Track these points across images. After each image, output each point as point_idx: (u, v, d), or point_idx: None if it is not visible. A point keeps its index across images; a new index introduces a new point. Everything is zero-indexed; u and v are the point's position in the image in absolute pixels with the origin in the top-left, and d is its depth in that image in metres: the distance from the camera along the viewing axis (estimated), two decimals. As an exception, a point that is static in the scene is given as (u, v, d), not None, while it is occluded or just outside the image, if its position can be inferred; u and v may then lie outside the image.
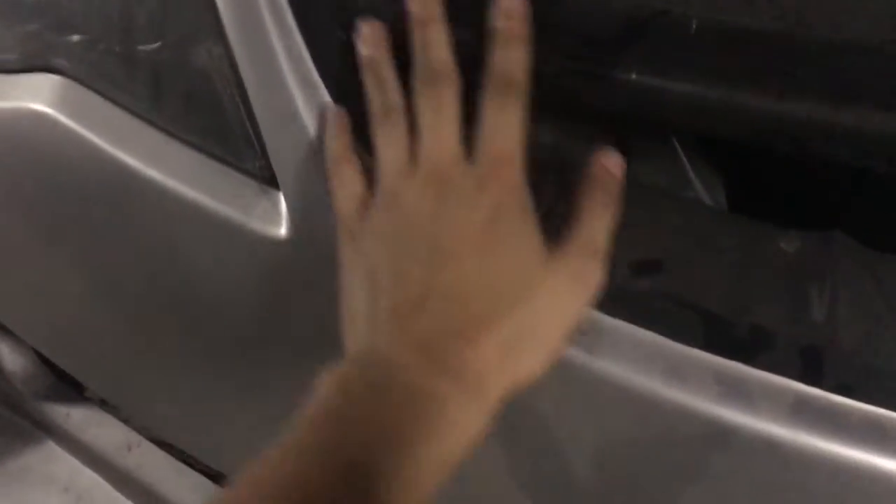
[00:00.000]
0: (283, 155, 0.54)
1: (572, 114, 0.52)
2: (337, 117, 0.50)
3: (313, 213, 0.54)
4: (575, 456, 0.51)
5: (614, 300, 0.47)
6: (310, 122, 0.52)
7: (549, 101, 0.50)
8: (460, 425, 0.42)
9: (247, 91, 0.53)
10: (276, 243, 0.55)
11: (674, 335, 0.46)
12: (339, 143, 0.49)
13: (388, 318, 0.43)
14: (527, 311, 0.43)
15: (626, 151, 0.52)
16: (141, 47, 0.58)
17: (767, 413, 0.45)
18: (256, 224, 0.55)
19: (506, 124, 0.44)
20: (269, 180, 0.55)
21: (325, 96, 0.52)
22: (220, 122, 0.55)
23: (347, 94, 0.50)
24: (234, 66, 0.53)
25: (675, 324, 0.47)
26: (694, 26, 0.42)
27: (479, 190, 0.44)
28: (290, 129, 0.52)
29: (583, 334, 0.47)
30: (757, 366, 0.45)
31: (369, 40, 0.47)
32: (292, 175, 0.54)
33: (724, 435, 0.45)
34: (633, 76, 0.44)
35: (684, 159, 0.53)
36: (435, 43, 0.46)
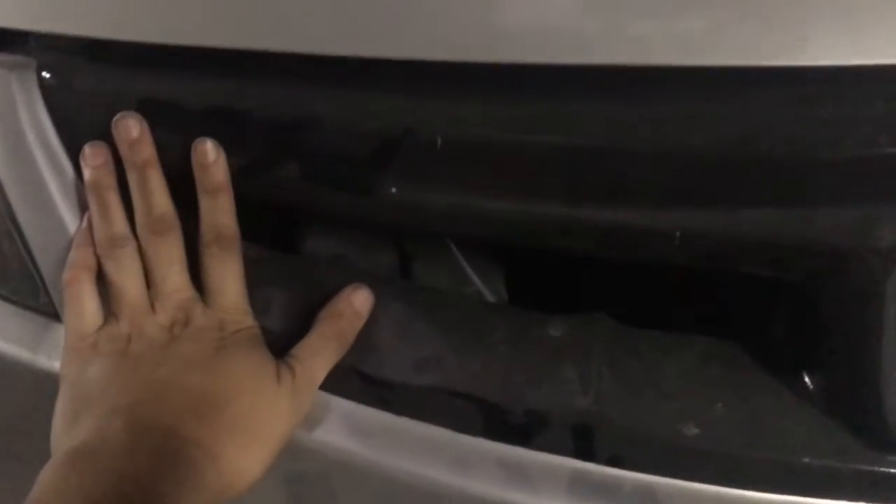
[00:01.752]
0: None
1: (354, 227, 0.55)
2: (81, 231, 0.52)
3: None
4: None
5: (399, 398, 0.50)
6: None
7: (328, 216, 0.53)
8: (203, 486, 0.45)
9: (22, 229, 0.53)
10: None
11: (456, 426, 0.49)
12: (80, 256, 0.51)
13: (129, 407, 0.47)
14: (252, 409, 0.48)
15: (405, 256, 0.55)
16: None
17: (548, 492, 0.47)
18: (43, 361, 0.55)
19: (226, 276, 0.51)
20: (54, 315, 0.55)
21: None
22: (3, 264, 0.55)
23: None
24: (8, 205, 0.53)
25: (457, 416, 0.49)
26: (439, 143, 0.45)
27: (214, 328, 0.50)
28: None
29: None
30: (534, 447, 0.48)
31: (92, 164, 0.50)
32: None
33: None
34: (393, 190, 0.47)
35: (461, 260, 0.57)
36: (151, 190, 0.50)
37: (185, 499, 0.44)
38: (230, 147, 0.49)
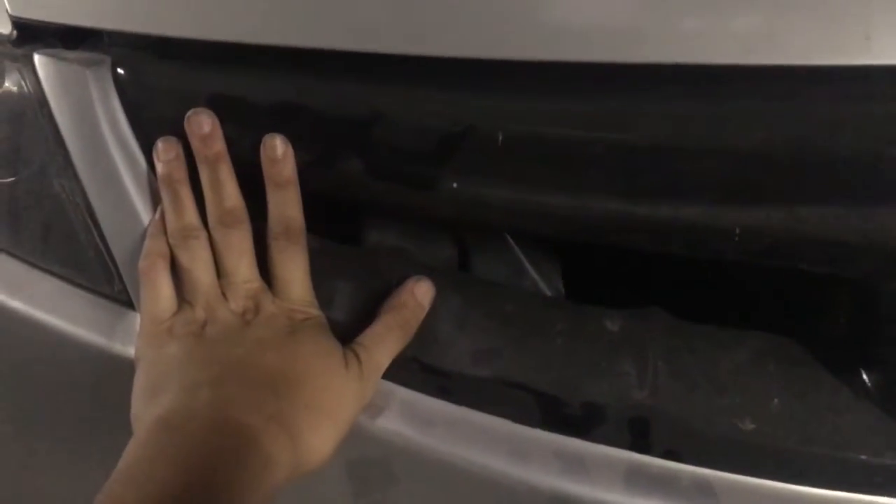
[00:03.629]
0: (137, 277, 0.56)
1: (414, 220, 0.57)
2: (154, 222, 0.54)
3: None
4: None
5: (458, 388, 0.51)
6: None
7: (390, 211, 0.54)
8: (278, 462, 0.46)
9: (98, 220, 0.55)
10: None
11: (514, 417, 0.50)
12: (154, 245, 0.53)
13: (209, 382, 0.48)
14: (325, 390, 0.50)
15: (464, 249, 0.56)
16: (-2, 181, 0.60)
17: (604, 483, 0.48)
18: (118, 347, 0.57)
19: (294, 268, 0.52)
20: (128, 303, 0.57)
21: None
22: (77, 251, 0.57)
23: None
24: (85, 197, 0.55)
25: (515, 406, 0.50)
26: (500, 138, 0.46)
27: (283, 317, 0.52)
28: (139, 243, 0.55)
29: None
30: (591, 439, 0.49)
31: (165, 158, 0.52)
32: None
33: (567, 507, 0.48)
34: (454, 185, 0.48)
35: (519, 253, 0.58)
36: (222, 183, 0.52)
37: (268, 475, 0.45)
38: (297, 142, 0.51)
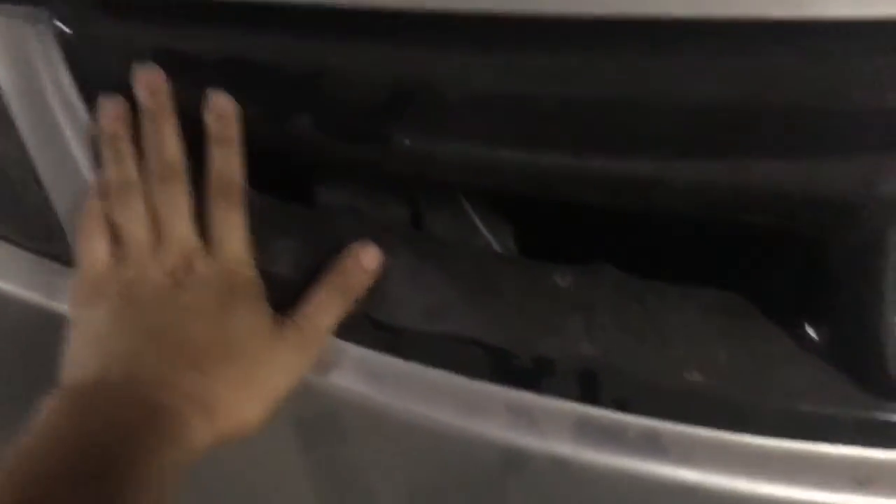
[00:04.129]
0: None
1: (365, 179, 0.56)
2: (95, 180, 0.53)
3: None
4: (387, 494, 0.54)
5: (409, 344, 0.51)
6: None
7: (341, 168, 0.54)
8: (188, 438, 0.46)
9: (41, 178, 0.54)
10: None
11: (465, 372, 0.50)
12: (92, 201, 0.52)
13: (129, 355, 0.48)
14: (252, 364, 0.49)
15: (417, 209, 0.56)
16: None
17: (554, 434, 0.48)
18: (59, 306, 0.56)
19: (230, 227, 0.51)
20: (70, 262, 0.56)
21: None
22: (18, 209, 0.56)
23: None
24: (27, 154, 0.54)
25: (466, 361, 0.50)
26: (450, 93, 0.46)
27: (216, 278, 0.51)
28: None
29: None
30: (541, 392, 0.49)
31: (107, 114, 0.51)
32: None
33: (516, 458, 0.48)
34: (406, 142, 0.48)
35: (472, 212, 0.58)
36: (164, 138, 0.51)
37: (175, 450, 0.45)
38: (244, 99, 0.50)
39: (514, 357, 0.50)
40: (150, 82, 0.50)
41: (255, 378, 0.49)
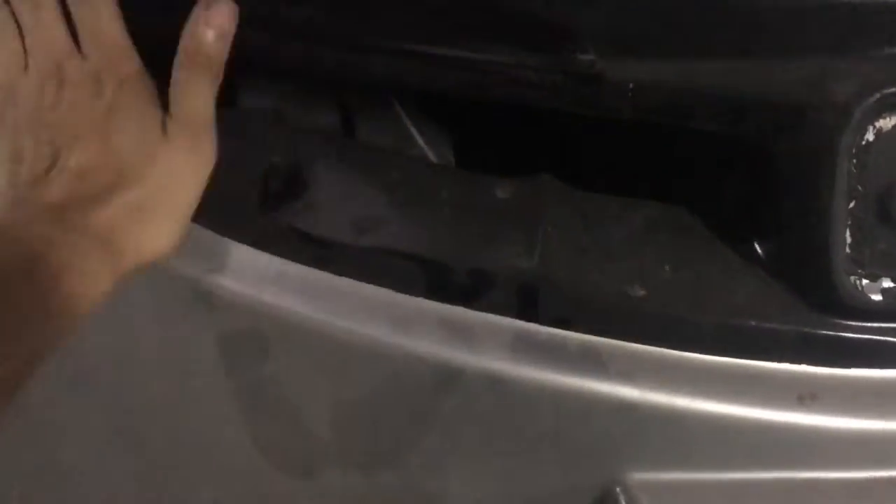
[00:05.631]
0: None
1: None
2: None
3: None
4: (317, 412, 0.52)
5: (340, 258, 0.48)
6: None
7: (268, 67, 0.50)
8: (89, 276, 0.42)
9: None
10: None
11: (398, 287, 0.47)
12: None
13: (14, 192, 0.43)
14: (150, 183, 0.44)
15: (349, 115, 0.53)
16: None
17: (491, 351, 0.46)
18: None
19: (102, 16, 0.45)
20: None
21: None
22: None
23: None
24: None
25: (399, 276, 0.48)
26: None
27: (96, 81, 0.44)
28: None
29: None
30: (478, 308, 0.47)
31: None
32: None
33: (451, 376, 0.46)
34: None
35: (406, 119, 0.55)
36: None
37: (69, 287, 0.41)
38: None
39: (449, 272, 0.47)
40: None
41: (161, 194, 0.44)
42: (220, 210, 0.49)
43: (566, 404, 0.47)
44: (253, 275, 0.49)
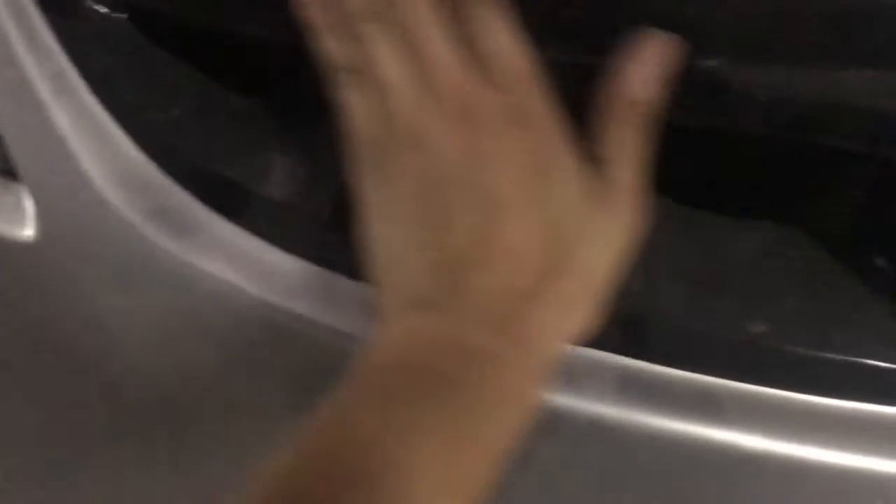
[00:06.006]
0: (23, 140, 0.46)
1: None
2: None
3: (65, 208, 0.47)
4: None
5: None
6: (49, 96, 0.44)
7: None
8: (521, 391, 0.36)
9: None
10: (22, 246, 0.48)
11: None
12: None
13: (439, 273, 0.35)
14: (582, 261, 0.36)
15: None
16: None
17: (594, 392, 0.42)
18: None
19: (499, 30, 0.36)
20: (8, 171, 0.47)
21: (63, 63, 0.44)
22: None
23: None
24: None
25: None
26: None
27: (508, 120, 0.35)
28: (27, 105, 0.44)
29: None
30: (579, 343, 0.42)
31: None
32: (36, 163, 0.47)
33: (550, 417, 0.41)
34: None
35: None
36: None
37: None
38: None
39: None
40: None
41: (586, 282, 0.36)
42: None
43: (676, 452, 0.42)
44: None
